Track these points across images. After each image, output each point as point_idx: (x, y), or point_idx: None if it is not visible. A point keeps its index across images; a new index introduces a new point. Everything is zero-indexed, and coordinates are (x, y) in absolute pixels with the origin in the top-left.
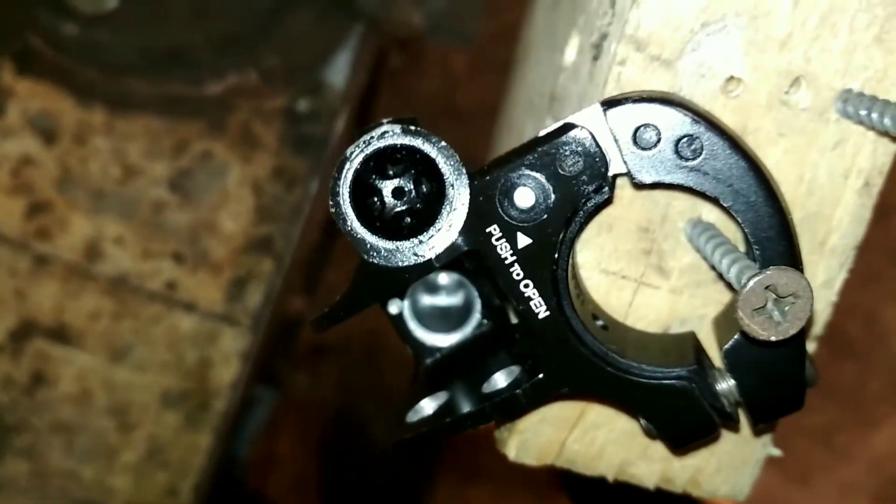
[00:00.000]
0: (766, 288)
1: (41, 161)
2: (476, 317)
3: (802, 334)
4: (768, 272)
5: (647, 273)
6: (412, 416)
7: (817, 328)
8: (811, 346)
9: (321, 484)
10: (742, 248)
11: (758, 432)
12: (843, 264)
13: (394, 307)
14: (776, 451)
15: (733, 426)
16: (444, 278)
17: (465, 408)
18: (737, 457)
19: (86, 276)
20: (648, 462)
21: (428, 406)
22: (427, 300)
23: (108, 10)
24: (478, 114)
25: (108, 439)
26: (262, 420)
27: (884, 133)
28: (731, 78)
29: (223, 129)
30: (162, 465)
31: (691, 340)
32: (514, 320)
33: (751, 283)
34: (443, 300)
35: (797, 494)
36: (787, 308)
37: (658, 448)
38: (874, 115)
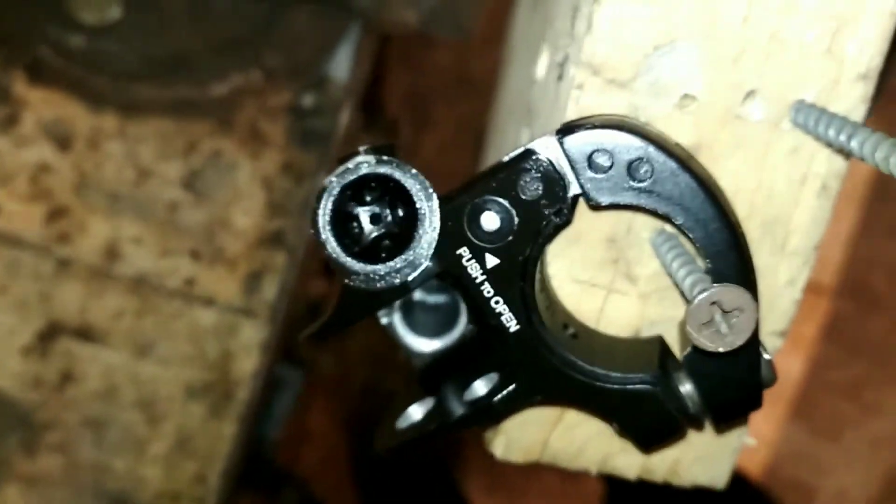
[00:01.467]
0: (713, 304)
1: (57, 167)
2: (462, 321)
3: (755, 341)
4: (713, 289)
5: (615, 280)
6: (402, 423)
7: (783, 324)
8: (778, 342)
9: (352, 457)
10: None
11: (720, 431)
12: (806, 263)
13: (384, 317)
14: (751, 441)
15: (698, 426)
16: (433, 286)
17: (449, 414)
18: (714, 447)
19: (107, 277)
20: (628, 455)
21: (416, 412)
22: (418, 307)
23: (112, 21)
24: (490, 84)
25: (136, 432)
26: (291, 401)
27: (830, 145)
28: (686, 95)
29: (231, 128)
30: (190, 454)
31: (657, 344)
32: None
33: (696, 300)
34: (432, 306)
35: (827, 450)
36: (733, 321)
37: None
38: (821, 128)
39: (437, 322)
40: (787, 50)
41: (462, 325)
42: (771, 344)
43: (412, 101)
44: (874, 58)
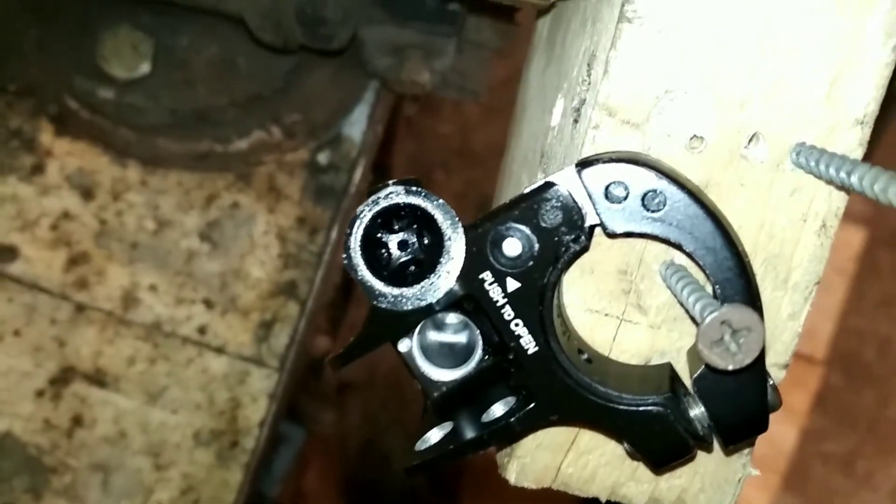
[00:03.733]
0: (723, 323)
1: (79, 215)
2: (478, 353)
3: (762, 363)
4: (723, 309)
5: (627, 311)
6: (420, 445)
7: (785, 357)
8: (781, 374)
9: None
10: (709, 286)
11: (729, 453)
12: (807, 298)
13: (403, 345)
14: (755, 472)
15: (707, 447)
16: (450, 318)
17: (467, 436)
18: (719, 477)
19: (122, 323)
20: (638, 483)
21: (434, 435)
22: (434, 338)
23: (140, 76)
24: (490, 155)
25: (143, 478)
26: (291, 458)
27: (830, 182)
28: (695, 136)
29: (249, 182)
30: (195, 502)
31: (668, 370)
32: (510, 356)
33: (708, 319)
34: (449, 338)
35: None
36: (741, 340)
37: (646, 470)
38: (822, 167)
39: (453, 354)
40: (789, 96)
41: (478, 356)
42: (774, 376)
43: (416, 167)
44: (870, 104)
